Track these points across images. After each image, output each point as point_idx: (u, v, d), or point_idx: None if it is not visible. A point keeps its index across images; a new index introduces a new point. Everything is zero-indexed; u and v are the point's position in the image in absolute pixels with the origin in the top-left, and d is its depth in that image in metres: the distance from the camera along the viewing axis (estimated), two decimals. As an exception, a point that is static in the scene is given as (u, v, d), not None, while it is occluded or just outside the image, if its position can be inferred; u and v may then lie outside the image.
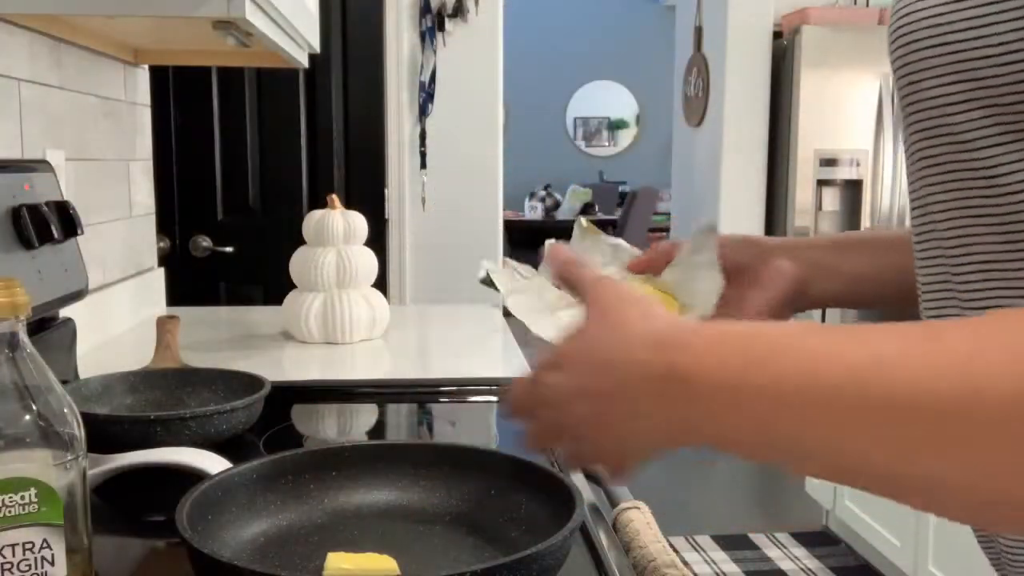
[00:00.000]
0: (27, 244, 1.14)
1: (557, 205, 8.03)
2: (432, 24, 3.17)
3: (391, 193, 3.22)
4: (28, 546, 0.58)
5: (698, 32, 4.61)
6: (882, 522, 2.75)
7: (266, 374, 1.16)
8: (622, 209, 7.52)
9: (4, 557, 0.58)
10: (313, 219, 1.69)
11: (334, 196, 1.71)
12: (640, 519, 0.88)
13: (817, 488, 3.19)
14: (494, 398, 1.33)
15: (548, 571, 0.65)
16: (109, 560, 0.76)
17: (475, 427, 1.24)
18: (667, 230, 7.30)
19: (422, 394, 1.34)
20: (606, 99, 9.18)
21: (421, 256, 3.30)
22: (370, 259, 1.71)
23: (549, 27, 8.89)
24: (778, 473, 3.98)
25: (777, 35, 4.27)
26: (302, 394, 1.31)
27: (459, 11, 3.20)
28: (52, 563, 0.59)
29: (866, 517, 2.85)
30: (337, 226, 1.67)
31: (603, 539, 0.81)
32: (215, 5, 1.11)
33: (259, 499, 0.76)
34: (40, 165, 1.26)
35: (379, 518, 0.79)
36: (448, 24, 3.20)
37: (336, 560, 0.66)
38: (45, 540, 0.59)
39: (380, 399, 1.32)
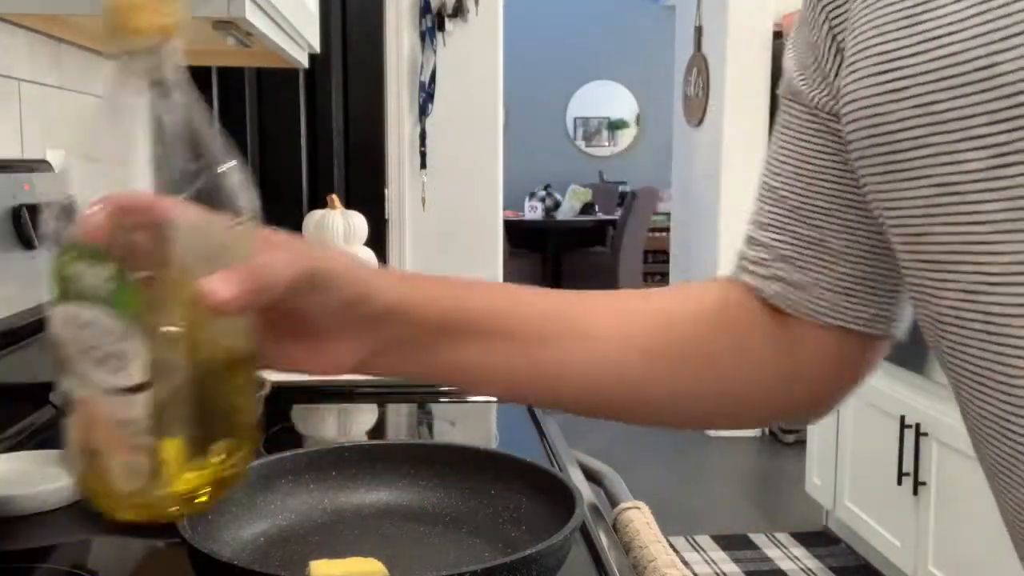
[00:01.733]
0: (27, 244, 1.14)
1: (557, 205, 8.03)
2: (432, 24, 3.17)
3: (391, 193, 3.22)
4: None
5: (698, 32, 4.61)
6: (882, 522, 2.75)
7: (266, 374, 1.16)
8: (622, 209, 7.52)
9: None
10: (313, 219, 1.69)
11: (334, 196, 1.71)
12: (640, 519, 0.88)
13: (817, 488, 3.19)
14: (493, 398, 1.33)
15: (548, 571, 0.65)
16: (109, 560, 0.76)
17: (475, 427, 1.24)
18: (667, 230, 7.30)
19: (422, 394, 1.34)
20: (606, 99, 9.18)
21: (421, 256, 3.30)
22: (370, 259, 1.71)
23: (549, 27, 8.89)
24: (778, 473, 3.98)
25: (777, 35, 4.27)
26: (302, 394, 1.31)
27: (459, 11, 3.20)
28: None
29: (866, 517, 2.85)
30: (337, 226, 1.67)
31: (603, 539, 0.81)
32: (215, 5, 1.11)
33: (259, 499, 0.76)
34: (40, 165, 1.26)
35: (379, 518, 0.79)
36: (448, 24, 3.20)
37: (320, 568, 0.66)
38: None
39: (380, 399, 1.32)
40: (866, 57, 0.48)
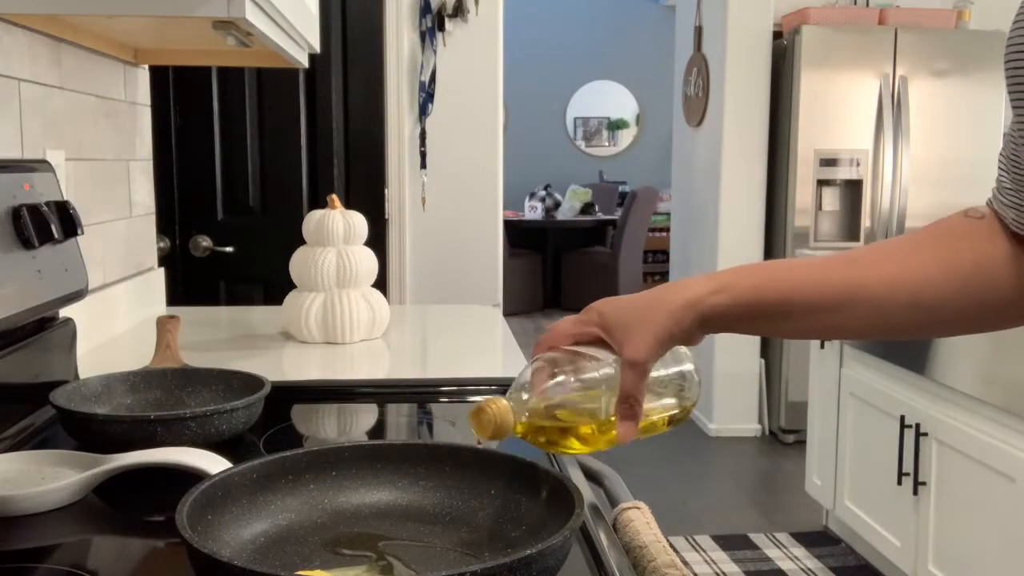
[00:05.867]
0: (27, 244, 1.14)
1: (557, 205, 8.03)
2: (432, 24, 3.17)
3: (391, 193, 3.23)
4: None
5: (698, 32, 4.61)
6: (882, 522, 2.75)
7: (266, 374, 1.16)
8: (622, 209, 7.52)
9: None
10: (313, 219, 1.69)
11: (334, 196, 1.71)
12: (640, 519, 0.88)
13: (817, 488, 3.19)
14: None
15: (548, 571, 0.65)
16: (109, 560, 0.76)
17: (475, 427, 1.24)
18: (667, 230, 7.29)
19: (422, 394, 1.34)
20: (606, 99, 9.18)
21: (421, 256, 3.30)
22: (370, 259, 1.71)
23: (549, 27, 8.89)
24: (778, 473, 3.98)
25: (777, 35, 4.27)
26: (302, 394, 1.31)
27: (459, 11, 3.20)
28: None
29: (866, 517, 2.85)
30: (337, 226, 1.68)
31: (603, 539, 0.81)
32: (215, 5, 1.11)
33: (259, 499, 0.76)
34: (40, 165, 1.26)
35: (378, 518, 0.79)
36: (448, 24, 3.20)
37: None
38: None
39: (380, 399, 1.32)
40: None
